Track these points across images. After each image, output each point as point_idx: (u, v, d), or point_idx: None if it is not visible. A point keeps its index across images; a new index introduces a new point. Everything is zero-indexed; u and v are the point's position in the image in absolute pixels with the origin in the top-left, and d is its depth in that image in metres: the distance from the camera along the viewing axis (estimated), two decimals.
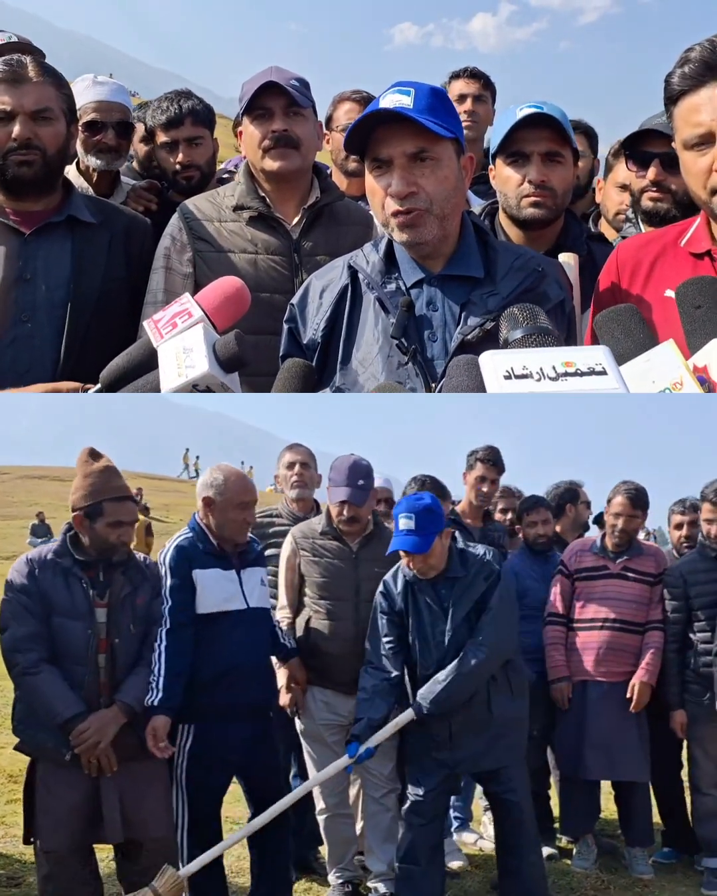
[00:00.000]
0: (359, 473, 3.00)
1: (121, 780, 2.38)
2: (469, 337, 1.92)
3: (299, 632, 3.03)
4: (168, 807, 2.51)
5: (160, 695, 2.45)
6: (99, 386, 1.94)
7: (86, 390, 2.15)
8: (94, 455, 2.56)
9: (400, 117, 1.84)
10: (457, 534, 2.86)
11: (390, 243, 2.05)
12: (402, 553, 2.72)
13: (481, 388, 1.47)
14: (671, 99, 1.86)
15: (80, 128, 3.34)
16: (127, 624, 2.47)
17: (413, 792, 2.79)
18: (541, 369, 1.41)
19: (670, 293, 1.99)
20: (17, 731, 2.45)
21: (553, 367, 1.41)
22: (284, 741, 3.04)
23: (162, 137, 3.46)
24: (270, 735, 2.76)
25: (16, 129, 2.45)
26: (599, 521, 4.29)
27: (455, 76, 4.39)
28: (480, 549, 2.84)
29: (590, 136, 3.86)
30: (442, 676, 2.68)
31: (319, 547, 3.04)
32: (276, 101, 2.71)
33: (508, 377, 1.42)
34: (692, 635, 3.37)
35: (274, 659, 2.94)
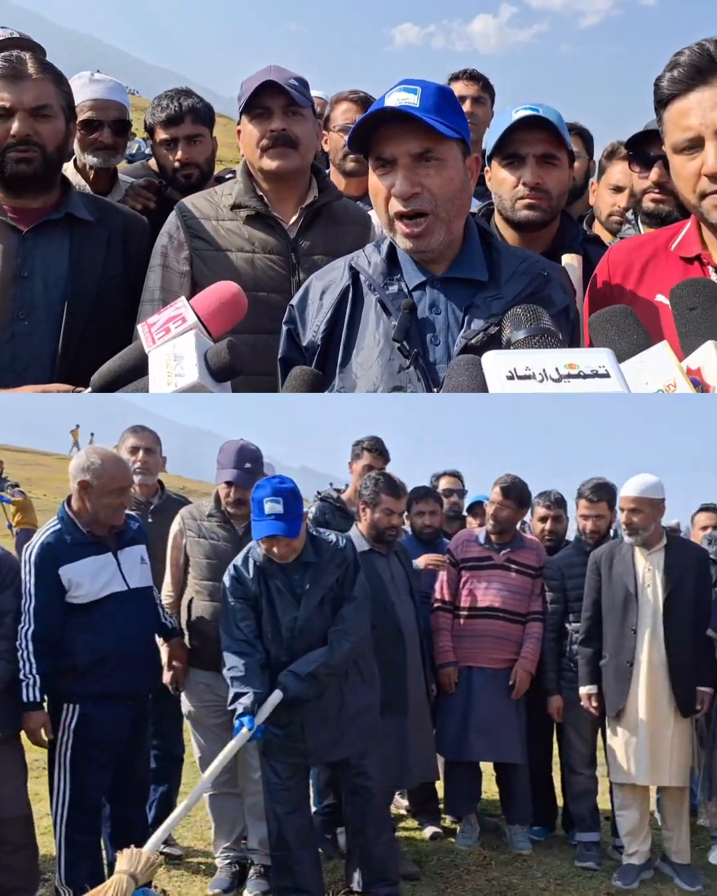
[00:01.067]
0: (246, 457, 3.02)
1: None
2: (473, 341, 1.89)
3: (183, 612, 3.06)
4: (22, 789, 2.61)
5: (34, 695, 2.56)
6: (90, 389, 1.92)
7: (78, 392, 2.14)
8: None
9: (405, 116, 1.80)
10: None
11: (392, 244, 2.02)
12: (268, 538, 2.66)
13: (482, 388, 1.47)
14: (661, 103, 1.86)
15: (77, 126, 3.35)
16: None
17: (272, 782, 2.81)
18: (544, 371, 1.40)
19: (661, 298, 1.98)
20: None
21: (556, 369, 1.40)
22: None
23: (161, 135, 3.46)
24: (146, 715, 2.84)
25: (15, 125, 2.45)
26: (472, 510, 4.45)
27: (454, 78, 4.41)
28: (332, 536, 2.84)
29: (585, 137, 3.87)
30: (311, 659, 2.69)
31: (205, 528, 3.08)
32: (275, 100, 2.71)
33: (511, 378, 1.42)
34: (567, 625, 3.54)
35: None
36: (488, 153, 2.56)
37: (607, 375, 1.40)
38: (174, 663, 3.02)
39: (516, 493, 3.65)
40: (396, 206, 1.87)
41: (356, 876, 2.91)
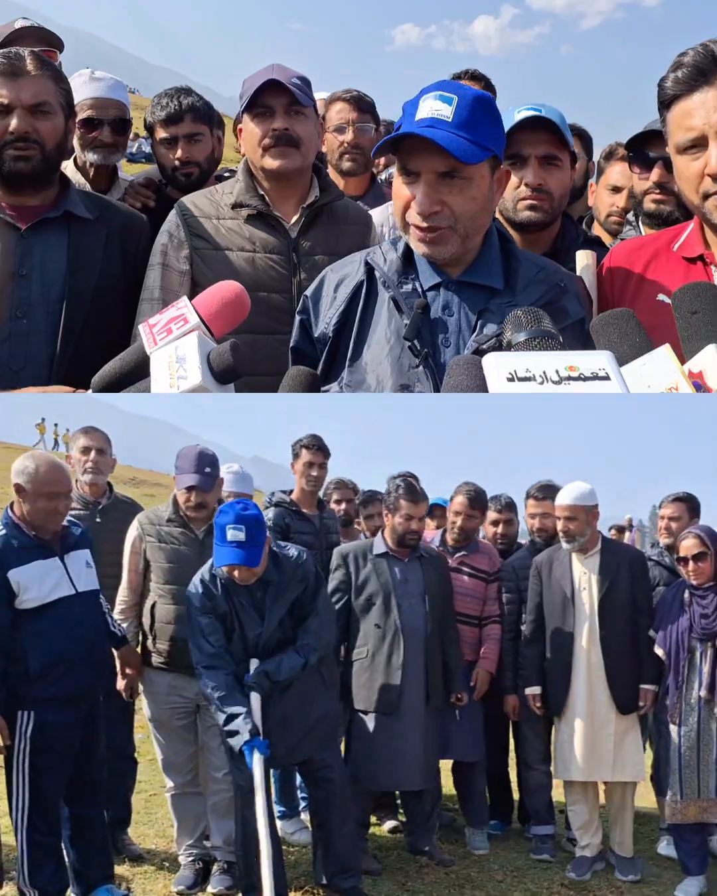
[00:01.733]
0: (205, 462, 3.06)
1: None
2: (485, 346, 1.88)
3: (145, 616, 3.08)
4: None
5: None
6: (90, 391, 1.91)
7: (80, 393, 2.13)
8: None
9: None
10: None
11: (409, 243, 2.00)
12: (228, 568, 2.69)
13: (482, 388, 1.47)
14: (665, 103, 1.86)
15: (77, 124, 3.34)
16: None
17: (238, 783, 2.81)
18: (544, 373, 1.40)
19: (663, 298, 1.99)
20: None
21: (556, 371, 1.40)
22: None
23: (161, 133, 3.45)
24: (97, 718, 2.84)
25: (13, 122, 2.44)
26: (430, 512, 4.41)
27: (456, 77, 4.40)
28: (293, 551, 2.88)
29: (585, 139, 3.88)
30: (286, 667, 2.75)
31: (165, 533, 3.09)
32: (277, 99, 2.70)
33: (511, 379, 1.42)
34: (522, 626, 3.58)
35: None
36: None
37: (607, 378, 1.40)
38: (127, 671, 3.04)
39: (481, 502, 3.72)
40: (414, 217, 1.87)
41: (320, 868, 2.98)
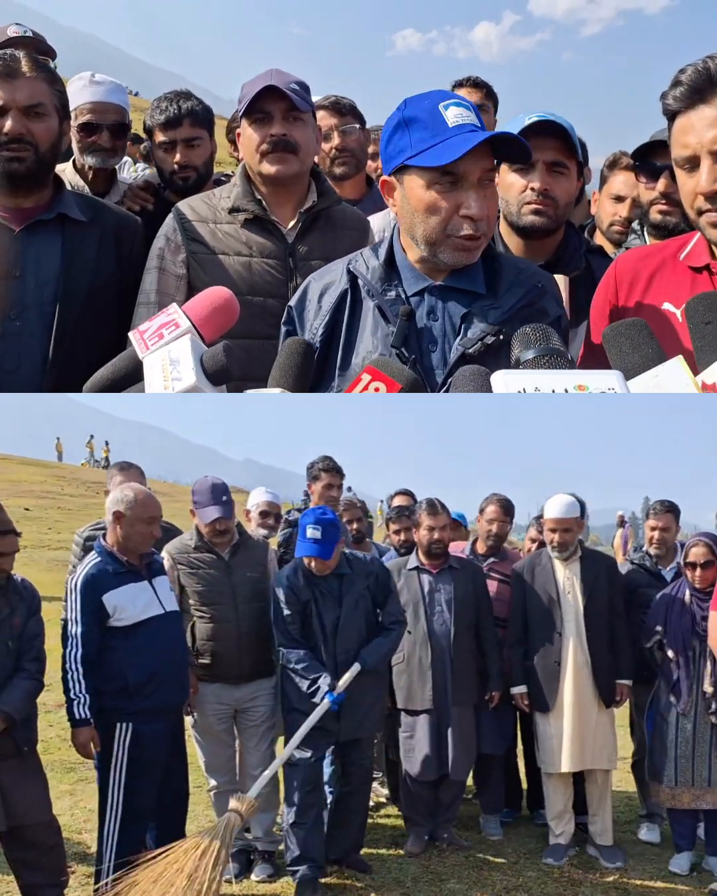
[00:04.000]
0: (220, 492, 3.35)
1: (1, 777, 2.67)
2: (470, 349, 1.89)
3: (188, 636, 3.29)
4: (46, 794, 2.83)
5: (85, 712, 2.77)
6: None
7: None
8: None
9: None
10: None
11: (391, 250, 2.01)
12: (307, 556, 3.19)
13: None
14: (669, 116, 1.87)
15: (75, 128, 3.32)
16: (4, 641, 2.73)
17: (300, 759, 3.17)
18: (553, 391, 1.40)
19: (669, 307, 1.97)
20: None
21: (566, 390, 1.40)
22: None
23: (160, 137, 3.43)
24: (181, 732, 3.10)
25: (8, 123, 2.43)
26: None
27: (458, 85, 4.39)
28: (363, 555, 3.44)
29: (581, 145, 3.87)
30: (380, 641, 3.27)
31: (195, 560, 3.33)
32: (276, 104, 2.67)
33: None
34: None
35: None
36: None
37: None
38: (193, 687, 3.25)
39: (512, 510, 3.97)
40: (464, 227, 1.83)
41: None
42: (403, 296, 1.97)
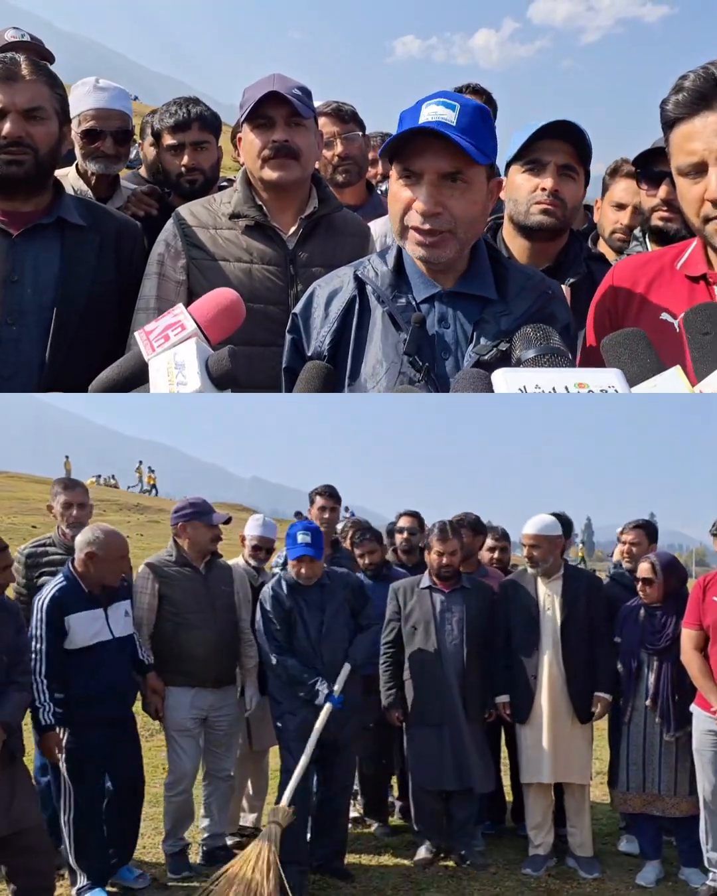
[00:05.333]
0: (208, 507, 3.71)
1: None
2: (485, 356, 1.87)
3: (167, 642, 3.53)
4: (37, 800, 3.00)
5: (51, 719, 3.04)
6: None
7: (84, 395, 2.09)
8: None
9: (442, 134, 1.77)
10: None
11: (399, 255, 1.99)
12: (298, 560, 3.44)
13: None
14: (668, 124, 1.85)
15: (79, 135, 3.31)
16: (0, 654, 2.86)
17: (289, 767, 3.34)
18: (554, 389, 1.40)
19: (666, 316, 1.96)
20: None
21: (566, 388, 1.40)
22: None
23: (169, 140, 3.45)
24: (132, 736, 3.37)
25: (7, 126, 2.41)
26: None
27: (457, 91, 4.38)
28: (340, 570, 3.67)
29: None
30: (361, 638, 3.51)
31: (175, 572, 3.59)
32: (278, 110, 2.66)
33: (521, 394, 1.43)
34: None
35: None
36: (507, 160, 2.54)
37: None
38: (151, 694, 3.48)
39: (481, 529, 4.14)
40: (414, 219, 1.85)
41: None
42: (413, 303, 1.95)
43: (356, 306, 2.00)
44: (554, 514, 3.89)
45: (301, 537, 3.44)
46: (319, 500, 4.09)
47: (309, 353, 2.04)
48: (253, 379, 2.06)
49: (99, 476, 35.40)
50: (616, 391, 1.39)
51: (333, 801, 3.54)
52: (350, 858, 3.65)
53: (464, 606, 3.69)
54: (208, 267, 2.71)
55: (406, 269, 1.98)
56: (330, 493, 4.11)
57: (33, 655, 3.04)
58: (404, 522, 4.47)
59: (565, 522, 3.95)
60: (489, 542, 4.30)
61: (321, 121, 3.86)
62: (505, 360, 1.80)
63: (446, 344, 1.93)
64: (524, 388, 1.41)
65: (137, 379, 1.76)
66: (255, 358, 2.43)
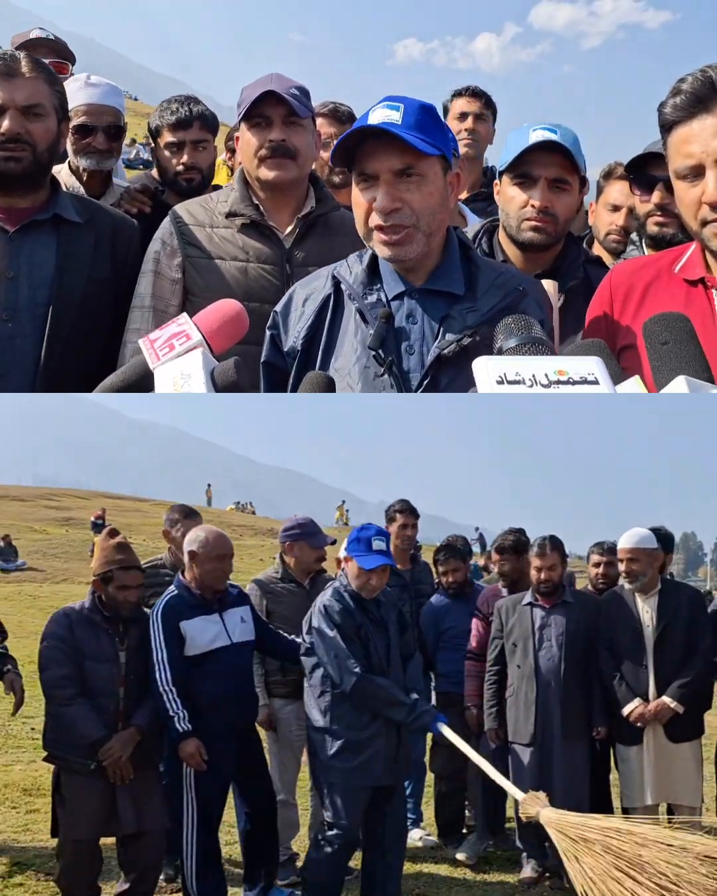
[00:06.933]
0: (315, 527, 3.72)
1: (131, 785, 2.88)
2: (446, 352, 1.93)
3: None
4: (163, 804, 3.04)
5: (187, 726, 2.95)
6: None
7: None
8: (111, 534, 3.11)
9: (387, 133, 1.85)
10: None
11: (374, 255, 2.04)
12: (376, 570, 3.13)
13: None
14: (665, 127, 1.85)
15: (70, 130, 3.31)
16: (139, 664, 2.99)
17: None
18: (533, 376, 1.43)
19: None
20: (48, 747, 3.01)
21: (546, 375, 1.42)
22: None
23: (168, 137, 3.45)
24: (256, 747, 3.28)
25: (5, 123, 2.42)
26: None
27: (457, 94, 4.40)
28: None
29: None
30: (414, 667, 3.44)
31: (281, 589, 3.65)
32: (275, 109, 2.67)
33: (500, 382, 1.44)
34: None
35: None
36: (500, 168, 2.54)
37: (596, 382, 1.42)
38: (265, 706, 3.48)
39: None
40: (376, 219, 1.91)
41: None
42: (384, 299, 2.00)
43: (331, 303, 2.07)
44: (653, 529, 3.80)
45: (376, 544, 3.17)
46: (399, 518, 4.08)
47: (285, 349, 2.12)
48: (248, 378, 2.07)
49: (238, 502, 38.44)
50: (597, 379, 1.42)
51: (391, 849, 3.19)
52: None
53: (565, 620, 3.61)
54: (204, 265, 2.71)
55: (380, 268, 2.05)
56: (410, 510, 4.11)
57: (156, 666, 2.99)
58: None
59: (664, 537, 3.86)
60: (594, 556, 4.17)
61: (319, 122, 3.87)
62: (467, 354, 1.84)
63: (411, 339, 1.98)
64: (504, 374, 1.44)
65: (140, 385, 1.80)
66: (247, 357, 2.42)
